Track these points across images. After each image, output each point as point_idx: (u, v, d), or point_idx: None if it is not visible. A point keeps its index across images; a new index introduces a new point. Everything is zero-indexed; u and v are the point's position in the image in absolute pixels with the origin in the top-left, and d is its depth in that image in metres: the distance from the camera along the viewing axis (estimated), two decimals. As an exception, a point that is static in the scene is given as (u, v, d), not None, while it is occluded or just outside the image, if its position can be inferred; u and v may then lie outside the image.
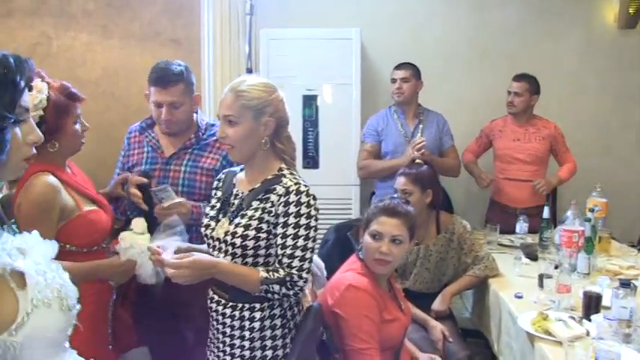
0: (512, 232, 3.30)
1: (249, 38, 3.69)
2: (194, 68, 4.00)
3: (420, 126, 3.38)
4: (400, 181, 2.68)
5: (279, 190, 1.68)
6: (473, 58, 4.08)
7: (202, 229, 1.82)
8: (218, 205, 1.82)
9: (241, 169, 1.86)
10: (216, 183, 1.92)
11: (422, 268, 2.72)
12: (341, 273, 2.06)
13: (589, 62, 4.07)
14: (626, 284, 1.94)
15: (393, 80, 3.41)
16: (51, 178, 1.89)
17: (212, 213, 1.82)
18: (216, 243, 1.75)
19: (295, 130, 3.52)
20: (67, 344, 1.13)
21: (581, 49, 4.07)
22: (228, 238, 1.69)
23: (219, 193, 1.87)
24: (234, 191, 1.80)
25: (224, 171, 1.95)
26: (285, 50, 3.59)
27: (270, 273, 1.65)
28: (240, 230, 1.69)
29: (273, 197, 1.68)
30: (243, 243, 1.68)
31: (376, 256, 1.99)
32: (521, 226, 3.25)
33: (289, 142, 1.80)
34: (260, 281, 1.64)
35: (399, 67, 3.42)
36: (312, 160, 3.58)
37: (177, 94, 2.20)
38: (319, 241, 2.92)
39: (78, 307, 1.10)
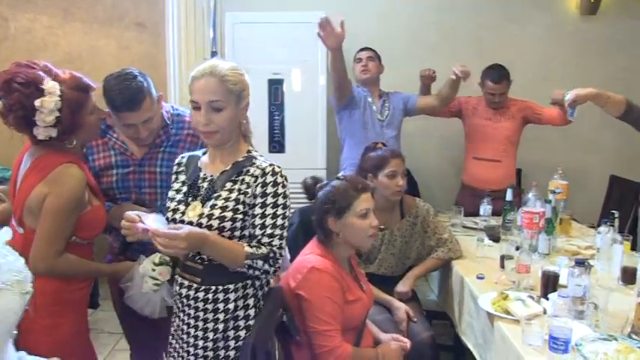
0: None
1: (213, 21, 3.65)
2: (159, 52, 3.99)
3: (386, 104, 3.44)
4: (398, 163, 2.65)
5: (255, 171, 1.71)
6: (439, 42, 4.10)
7: (169, 214, 1.77)
8: (184, 188, 1.79)
9: (204, 153, 1.84)
10: (175, 168, 1.88)
11: (387, 253, 2.74)
12: (303, 256, 2.07)
13: (553, 47, 4.14)
14: (580, 263, 1.98)
15: (359, 60, 3.46)
16: (80, 172, 1.87)
17: (179, 197, 1.78)
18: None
19: (261, 114, 3.56)
20: (15, 331, 1.10)
21: (544, 34, 4.14)
22: (204, 220, 1.69)
23: (182, 177, 1.83)
24: (201, 175, 1.79)
25: (184, 155, 1.91)
26: (251, 34, 3.56)
27: (254, 249, 1.67)
28: (217, 212, 1.69)
29: (248, 179, 1.70)
30: (221, 224, 1.68)
31: (370, 232, 2.04)
32: (485, 208, 3.28)
33: (247, 119, 1.83)
34: (245, 256, 1.65)
35: (363, 49, 3.49)
36: (278, 145, 3.58)
37: (147, 108, 2.06)
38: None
39: (32, 291, 1.08)
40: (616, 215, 2.77)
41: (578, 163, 4.04)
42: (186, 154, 1.91)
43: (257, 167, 1.71)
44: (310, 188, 2.11)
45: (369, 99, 3.43)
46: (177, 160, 1.91)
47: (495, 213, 3.31)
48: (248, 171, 1.71)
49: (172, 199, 1.80)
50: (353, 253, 2.23)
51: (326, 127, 3.64)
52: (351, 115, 3.39)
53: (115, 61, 3.93)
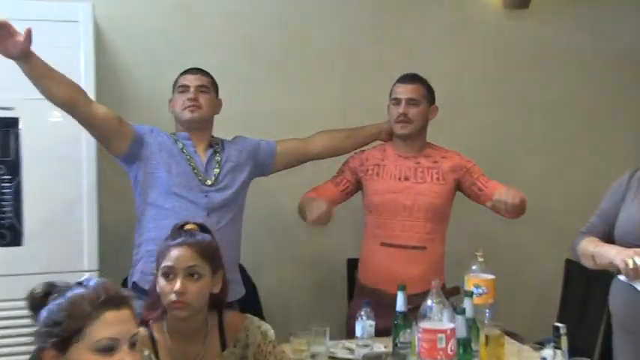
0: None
1: None
2: None
3: (217, 157, 2.42)
4: (186, 255, 1.80)
5: None
6: (287, 59, 2.98)
7: None
8: None
9: None
10: None
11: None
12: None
13: (466, 56, 3.15)
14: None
15: (184, 88, 2.38)
16: None
17: None
18: None
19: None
20: None
21: (453, 39, 3.12)
22: None
23: None
24: None
25: None
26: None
27: None
28: None
29: None
30: None
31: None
32: (363, 325, 2.11)
33: None
34: None
35: (192, 71, 2.45)
36: (9, 233, 2.19)
37: None
38: None
39: None
40: (562, 331, 1.84)
41: (512, 237, 2.99)
42: None
43: None
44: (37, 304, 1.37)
45: (187, 149, 2.40)
46: None
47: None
48: None
49: None
50: None
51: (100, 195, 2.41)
52: (151, 172, 2.32)
53: None
